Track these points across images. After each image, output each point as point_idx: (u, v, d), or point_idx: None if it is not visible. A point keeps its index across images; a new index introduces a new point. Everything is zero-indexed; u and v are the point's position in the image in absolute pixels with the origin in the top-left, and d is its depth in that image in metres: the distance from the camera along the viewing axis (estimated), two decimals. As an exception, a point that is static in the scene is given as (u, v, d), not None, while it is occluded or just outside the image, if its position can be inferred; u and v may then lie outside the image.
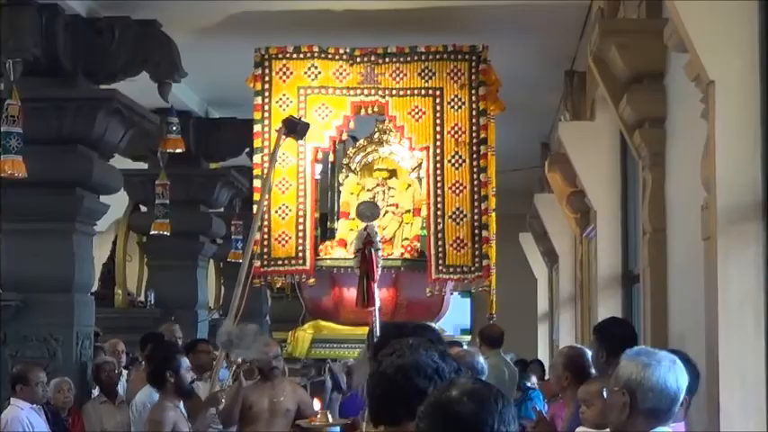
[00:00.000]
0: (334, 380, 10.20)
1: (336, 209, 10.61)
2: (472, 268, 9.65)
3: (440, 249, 9.65)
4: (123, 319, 13.42)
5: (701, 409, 5.35)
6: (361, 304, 7.07)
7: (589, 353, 5.97)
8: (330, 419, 8.15)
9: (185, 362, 7.27)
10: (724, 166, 5.18)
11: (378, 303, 7.06)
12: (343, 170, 10.56)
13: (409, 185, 10.41)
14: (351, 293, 9.15)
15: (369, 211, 9.76)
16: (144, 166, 13.89)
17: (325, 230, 10.62)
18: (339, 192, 10.55)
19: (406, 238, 10.27)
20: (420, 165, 10.24)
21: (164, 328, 11.04)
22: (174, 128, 10.82)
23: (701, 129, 5.56)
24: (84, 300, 9.75)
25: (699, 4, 5.19)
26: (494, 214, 9.78)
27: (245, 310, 8.41)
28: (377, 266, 7.12)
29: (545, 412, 7.90)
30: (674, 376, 3.50)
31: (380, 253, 7.25)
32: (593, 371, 5.81)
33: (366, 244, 7.31)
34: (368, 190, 10.43)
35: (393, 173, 10.50)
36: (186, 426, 7.13)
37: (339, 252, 9.98)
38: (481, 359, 6.81)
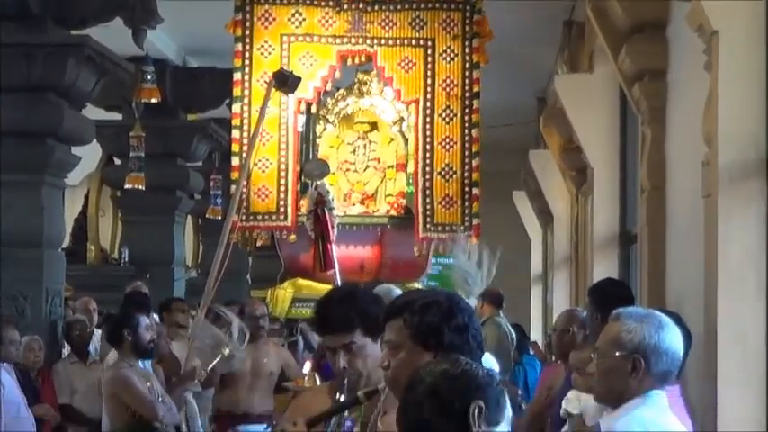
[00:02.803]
0: (305, 340, 10.28)
1: (313, 163, 10.59)
2: (462, 227, 9.67)
3: (428, 207, 9.68)
4: (96, 277, 13.44)
5: (697, 374, 5.39)
6: (319, 268, 7.01)
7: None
8: (318, 382, 8.22)
9: (144, 320, 7.33)
10: (726, 121, 5.19)
11: (336, 266, 7.00)
12: (320, 122, 10.52)
13: (392, 140, 10.42)
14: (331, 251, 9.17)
15: (318, 169, 9.71)
16: (118, 116, 13.82)
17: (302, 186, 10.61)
18: (315, 145, 10.52)
19: (390, 195, 10.29)
20: (402, 118, 10.24)
21: (130, 286, 11.07)
22: (150, 77, 10.76)
23: (703, 82, 5.57)
24: (55, 256, 9.74)
25: (702, -51, 5.18)
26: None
27: (227, 269, 8.43)
28: (332, 227, 7.07)
29: (537, 379, 7.99)
30: (679, 338, 3.52)
31: (334, 212, 7.20)
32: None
33: (318, 204, 7.27)
34: (348, 143, 10.45)
35: (374, 126, 10.50)
36: (147, 382, 7.17)
37: (319, 208, 9.99)
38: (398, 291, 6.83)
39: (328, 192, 7.30)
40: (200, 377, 8.15)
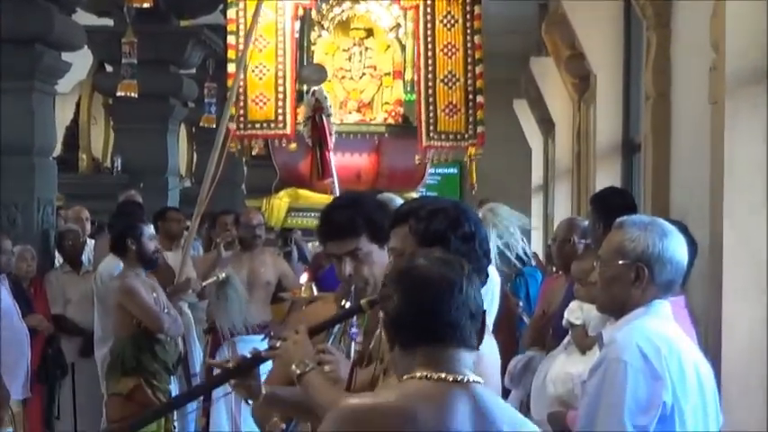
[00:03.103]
0: (299, 250, 10.29)
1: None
2: (466, 135, 9.63)
3: (431, 115, 9.62)
4: (88, 186, 13.45)
5: (702, 285, 5.38)
6: (316, 177, 6.98)
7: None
8: (315, 292, 8.24)
9: (148, 229, 7.38)
10: (734, 25, 5.13)
11: (335, 174, 6.99)
12: (316, 28, 10.42)
13: (388, 46, 10.33)
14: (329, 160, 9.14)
15: (315, 74, 9.64)
16: (109, 22, 13.69)
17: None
18: (310, 51, 10.42)
19: (387, 103, 10.23)
20: (398, 25, 10.15)
21: (123, 195, 11.05)
22: (142, -20, 10.62)
23: (711, -16, 5.49)
24: (46, 164, 9.70)
25: None
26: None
27: (222, 178, 8.41)
28: (330, 134, 7.02)
29: (538, 290, 7.99)
30: (684, 246, 3.50)
31: (332, 118, 7.15)
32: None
33: (315, 110, 7.21)
34: (344, 50, 10.36)
35: (370, 32, 10.40)
36: (153, 293, 7.21)
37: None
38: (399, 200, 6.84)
39: (326, 98, 7.21)
40: (196, 288, 8.17)
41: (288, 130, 9.63)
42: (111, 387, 7.24)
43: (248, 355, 3.42)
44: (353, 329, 3.47)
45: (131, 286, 7.12)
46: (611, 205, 5.58)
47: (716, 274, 5.20)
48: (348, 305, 3.43)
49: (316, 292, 8.10)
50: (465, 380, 2.50)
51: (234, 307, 8.13)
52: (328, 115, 7.11)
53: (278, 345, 3.35)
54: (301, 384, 3.21)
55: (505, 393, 6.11)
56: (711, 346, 5.05)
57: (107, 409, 7.37)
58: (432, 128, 9.63)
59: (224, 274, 8.05)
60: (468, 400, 2.48)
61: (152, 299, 7.18)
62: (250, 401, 3.45)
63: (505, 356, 4.45)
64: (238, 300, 8.14)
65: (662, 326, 3.42)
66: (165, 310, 7.25)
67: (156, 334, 7.16)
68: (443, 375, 2.48)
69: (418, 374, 2.49)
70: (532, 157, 19.31)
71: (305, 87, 10.08)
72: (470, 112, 9.67)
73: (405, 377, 2.52)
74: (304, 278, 8.38)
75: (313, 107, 7.09)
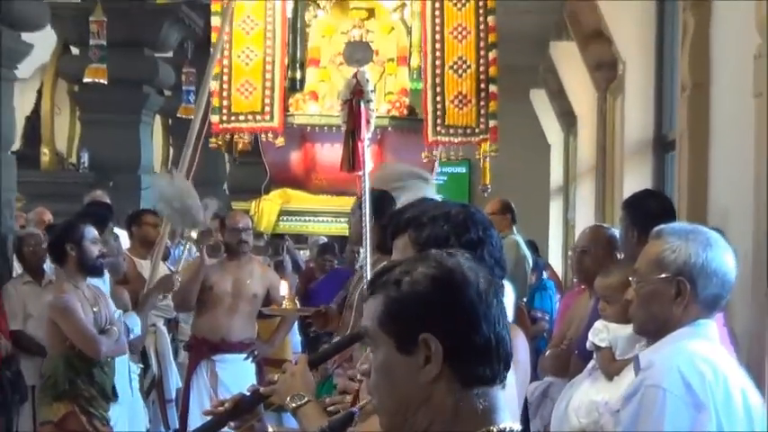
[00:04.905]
0: (292, 259, 10.32)
1: (302, 55, 10.51)
2: (477, 129, 9.63)
3: (438, 106, 9.64)
4: (51, 185, 13.46)
5: (743, 300, 5.38)
6: (347, 167, 7.01)
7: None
8: (298, 306, 8.24)
9: (90, 232, 7.22)
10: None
11: (368, 167, 7.04)
12: (311, 8, 10.44)
13: (392, 29, 10.36)
14: (325, 156, 9.17)
15: (359, 53, 9.69)
16: (76, -2, 13.74)
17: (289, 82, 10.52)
18: (305, 34, 10.44)
19: (390, 92, 10.25)
20: (404, 4, 10.16)
21: (90, 195, 11.04)
22: (113, -49, 10.67)
23: (757, -39, 5.50)
24: (5, 159, 9.71)
25: None
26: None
27: (199, 176, 8.41)
28: (367, 122, 7.03)
29: (557, 305, 7.99)
30: (731, 257, 3.49)
31: (372, 105, 7.17)
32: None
33: (355, 94, 7.21)
34: (342, 33, 10.38)
35: (371, 12, 10.42)
36: (95, 307, 7.14)
37: (312, 107, 9.94)
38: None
39: (368, 81, 7.25)
40: (176, 286, 8.16)
41: (276, 123, 9.64)
42: (42, 413, 7.15)
43: (246, 393, 3.46)
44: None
45: (65, 303, 6.97)
46: (647, 210, 5.58)
47: (760, 287, 5.20)
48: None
49: (298, 306, 8.14)
50: None
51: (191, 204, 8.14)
52: (368, 101, 7.12)
53: (276, 378, 3.40)
54: (297, 418, 3.30)
55: (524, 420, 6.11)
56: (753, 369, 5.05)
57: (38, 440, 7.32)
58: (439, 121, 9.64)
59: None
60: None
61: (91, 316, 7.08)
62: None
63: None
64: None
65: (707, 349, 3.41)
66: (108, 326, 7.16)
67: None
68: None
69: None
70: (551, 154, 19.35)
71: (297, 75, 10.10)
72: (482, 103, 9.68)
73: None
74: (285, 289, 8.38)
75: (354, 90, 7.11)
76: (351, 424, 2.94)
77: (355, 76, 7.53)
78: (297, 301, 7.94)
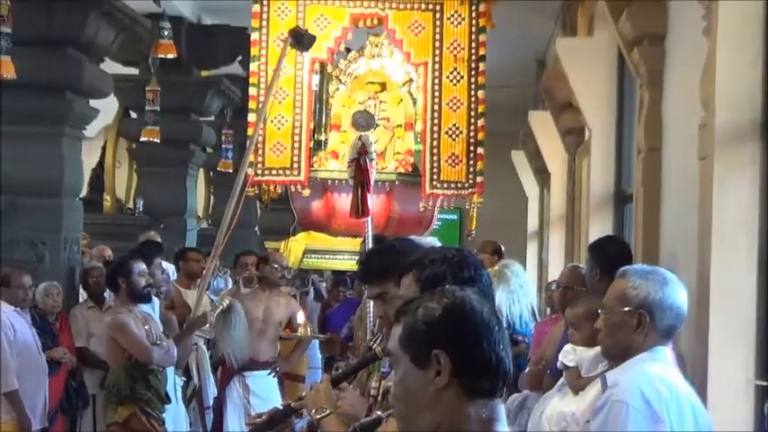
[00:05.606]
0: (315, 290, 10.35)
1: (326, 121, 10.56)
2: (466, 184, 9.64)
3: (434, 165, 9.63)
4: (111, 226, 13.43)
5: (689, 332, 5.35)
6: (356, 214, 7.05)
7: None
8: (310, 332, 8.26)
9: (138, 267, 7.38)
10: (724, 83, 5.12)
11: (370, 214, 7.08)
12: (333, 82, 10.49)
13: (401, 100, 10.37)
14: (343, 205, 9.17)
15: (364, 120, 9.74)
16: (135, 71, 13.76)
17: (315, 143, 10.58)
18: (328, 104, 10.48)
19: (398, 153, 10.26)
20: (411, 80, 10.20)
21: (144, 235, 11.05)
22: (166, 33, 10.70)
23: (701, 47, 5.50)
24: (73, 204, 9.72)
25: None
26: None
27: (236, 220, 8.43)
28: (371, 176, 7.08)
29: (531, 333, 7.96)
30: (684, 294, 3.50)
31: (375, 163, 7.20)
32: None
33: (361, 153, 7.25)
34: (359, 103, 10.39)
35: (384, 86, 10.44)
36: (145, 326, 7.20)
37: (333, 164, 9.98)
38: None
39: (371, 143, 7.31)
40: (212, 321, 8.17)
41: (302, 177, 9.66)
42: (108, 417, 7.19)
43: (279, 407, 3.61)
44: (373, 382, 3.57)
45: (121, 321, 7.12)
46: (608, 253, 5.57)
47: (703, 326, 5.16)
48: (378, 348, 3.47)
49: (310, 332, 8.16)
50: None
51: (238, 333, 8.14)
52: (372, 159, 7.16)
53: (304, 394, 3.51)
54: (320, 427, 3.37)
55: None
56: (696, 385, 5.02)
57: (106, 439, 7.33)
58: (435, 176, 9.65)
59: (227, 302, 8.07)
60: None
61: (143, 332, 7.16)
62: None
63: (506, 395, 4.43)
64: (241, 324, 8.14)
65: (664, 371, 3.41)
66: (158, 342, 7.23)
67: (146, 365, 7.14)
68: None
69: None
70: (528, 205, 19.33)
71: (321, 138, 10.14)
72: (471, 162, 9.67)
73: None
74: (301, 317, 8.41)
75: (359, 150, 7.16)
76: (379, 425, 3.02)
77: (360, 138, 7.60)
78: (309, 328, 7.98)
